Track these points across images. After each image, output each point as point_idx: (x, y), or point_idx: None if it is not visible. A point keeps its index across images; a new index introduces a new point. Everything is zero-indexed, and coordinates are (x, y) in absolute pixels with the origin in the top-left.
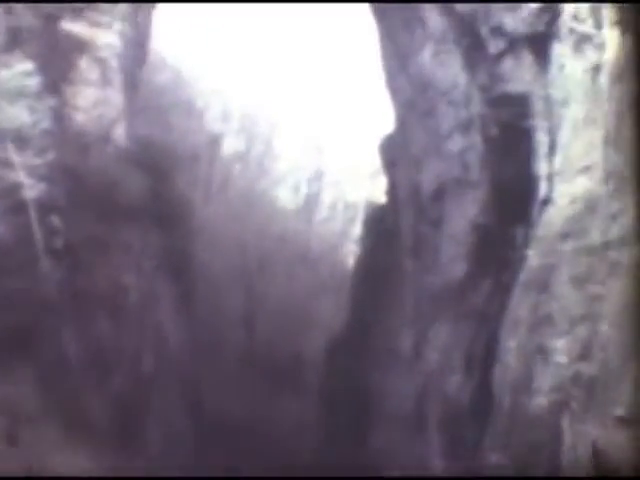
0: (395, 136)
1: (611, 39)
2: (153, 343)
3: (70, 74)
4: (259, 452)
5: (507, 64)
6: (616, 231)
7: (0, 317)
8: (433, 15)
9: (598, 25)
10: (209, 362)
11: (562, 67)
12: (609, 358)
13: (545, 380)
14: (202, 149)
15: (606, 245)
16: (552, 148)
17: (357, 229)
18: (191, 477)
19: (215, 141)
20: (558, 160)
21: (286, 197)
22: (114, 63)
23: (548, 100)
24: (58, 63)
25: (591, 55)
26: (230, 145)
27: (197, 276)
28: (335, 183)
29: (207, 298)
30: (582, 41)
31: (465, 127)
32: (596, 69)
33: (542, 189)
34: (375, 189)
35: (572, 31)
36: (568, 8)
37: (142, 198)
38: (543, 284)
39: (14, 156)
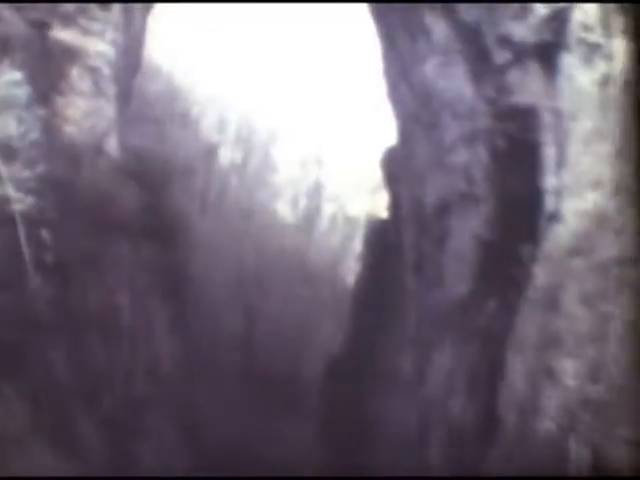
0: (397, 149)
1: (620, 49)
2: (146, 363)
3: (60, 84)
4: (256, 475)
5: (514, 75)
6: (626, 248)
7: None
8: (437, 24)
9: (608, 34)
10: (205, 383)
11: (571, 78)
12: (618, 380)
13: (552, 403)
14: (197, 160)
15: (616, 262)
16: (560, 162)
17: (357, 245)
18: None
19: (211, 152)
20: (566, 174)
21: (284, 211)
22: (106, 72)
23: (556, 113)
24: (48, 72)
25: (600, 65)
26: (226, 156)
27: (192, 293)
28: (335, 197)
29: (202, 316)
30: (591, 51)
31: (470, 140)
32: (605, 80)
33: (550, 204)
34: (376, 203)
35: (581, 41)
36: (577, 16)
37: (135, 212)
38: (551, 303)
39: (2, 168)
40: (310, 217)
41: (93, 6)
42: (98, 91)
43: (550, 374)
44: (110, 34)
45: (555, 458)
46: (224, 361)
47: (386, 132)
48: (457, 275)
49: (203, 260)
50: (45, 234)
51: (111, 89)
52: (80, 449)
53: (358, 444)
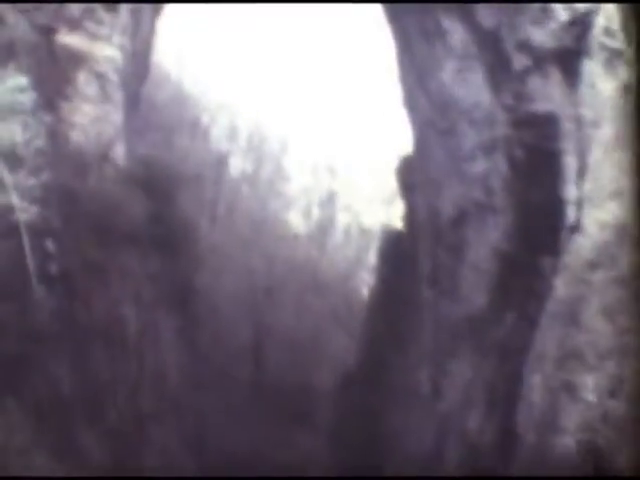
0: (413, 157)
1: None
2: (152, 377)
3: (67, 89)
4: None
5: (534, 82)
6: None
7: None
8: (454, 28)
9: (629, 40)
10: (213, 396)
11: (593, 85)
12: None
13: (572, 419)
14: (207, 169)
15: (637, 275)
16: (581, 172)
17: (372, 256)
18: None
19: (221, 161)
20: (588, 184)
21: (297, 221)
22: (113, 78)
23: (578, 120)
24: (54, 78)
25: (622, 72)
26: (237, 165)
27: (201, 305)
28: (349, 207)
29: (211, 329)
30: (613, 57)
31: (488, 149)
32: (628, 87)
33: (570, 215)
34: (391, 213)
35: (603, 46)
36: (599, 21)
37: (142, 222)
38: (571, 316)
39: (6, 176)
40: (323, 228)
41: (100, 9)
42: (105, 97)
43: (570, 389)
44: (117, 38)
45: (574, 474)
46: (233, 374)
47: (401, 140)
48: (474, 287)
49: (212, 271)
50: (50, 244)
51: (118, 95)
52: (84, 462)
53: (372, 460)
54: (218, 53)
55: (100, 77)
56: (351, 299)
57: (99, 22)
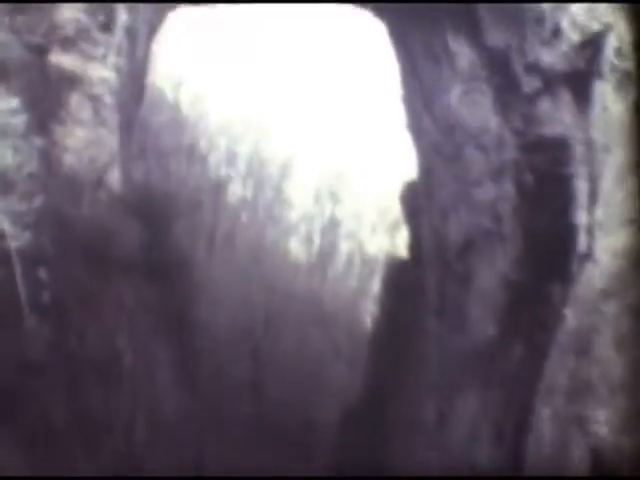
0: (418, 183)
1: None
2: (148, 410)
3: (60, 112)
4: None
5: (544, 105)
6: None
7: None
8: (462, 49)
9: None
10: (212, 431)
11: (604, 108)
12: None
13: (583, 453)
14: (205, 196)
15: None
16: (593, 197)
17: (375, 285)
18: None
19: (219, 187)
20: (599, 211)
21: (298, 249)
22: (108, 100)
23: (589, 145)
24: (47, 100)
25: (633, 94)
26: (236, 191)
27: (198, 337)
28: (352, 234)
29: (209, 361)
30: (625, 79)
31: (497, 174)
32: (638, 109)
33: (581, 242)
34: (396, 241)
35: (614, 68)
36: (611, 42)
37: (138, 250)
38: (582, 347)
39: None
40: (325, 256)
41: (95, 29)
42: (99, 120)
43: (581, 423)
44: (112, 59)
45: None
46: (231, 408)
47: (406, 165)
48: (482, 318)
49: (209, 302)
50: (42, 272)
51: (113, 118)
52: None
53: None
54: (216, 76)
55: (94, 99)
56: (354, 330)
57: (94, 42)
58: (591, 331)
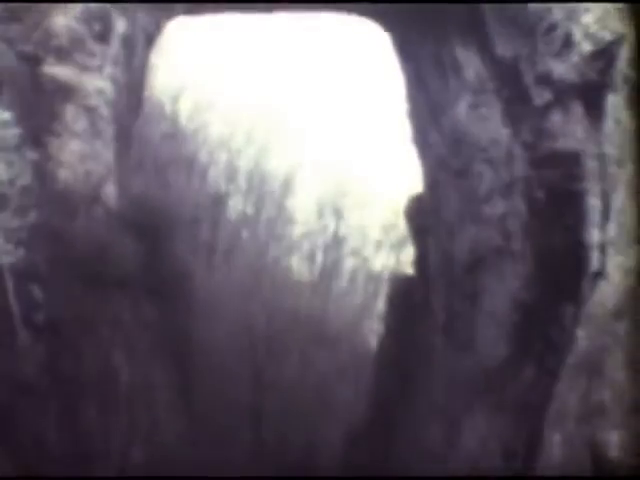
0: (424, 198)
1: None
2: (145, 434)
3: (54, 124)
4: None
5: (555, 117)
6: None
7: None
8: (470, 60)
9: None
10: (211, 456)
11: (617, 121)
12: None
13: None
14: (204, 211)
15: None
16: (606, 214)
17: (380, 304)
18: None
19: (219, 202)
20: (612, 228)
21: (300, 267)
22: (104, 112)
23: (602, 159)
24: (40, 112)
25: None
26: (236, 207)
27: (197, 358)
28: (356, 251)
29: (208, 383)
30: (636, 90)
31: (506, 190)
32: None
33: (594, 261)
34: (402, 258)
35: (627, 79)
36: (623, 53)
37: (135, 267)
38: (595, 369)
39: None
40: (328, 274)
41: (90, 39)
42: (95, 133)
43: (593, 447)
44: (109, 69)
45: None
46: (232, 432)
47: (412, 180)
48: (491, 338)
49: (209, 321)
50: (36, 289)
51: (110, 131)
52: None
53: None
54: (216, 87)
55: (90, 111)
56: (358, 351)
57: (89, 52)
58: (603, 352)
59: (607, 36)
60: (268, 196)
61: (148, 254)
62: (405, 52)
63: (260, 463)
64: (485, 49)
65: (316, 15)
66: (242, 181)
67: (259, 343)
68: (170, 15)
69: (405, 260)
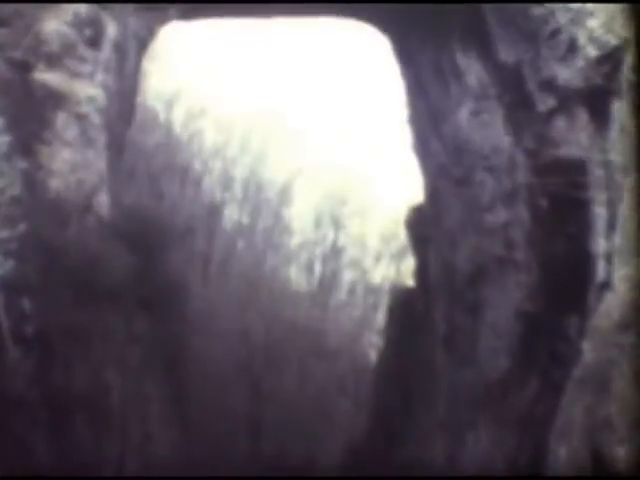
0: (425, 208)
1: None
2: (138, 450)
3: (44, 132)
4: None
5: (559, 124)
6: None
7: None
8: (472, 66)
9: None
10: (208, 467)
11: (623, 128)
12: None
13: None
14: (199, 220)
15: None
16: (611, 223)
17: (380, 316)
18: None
19: (214, 211)
20: (618, 237)
21: (298, 278)
22: (96, 120)
23: (608, 167)
24: (30, 119)
25: None
26: (232, 216)
27: (192, 371)
28: (355, 262)
29: (204, 397)
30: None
31: (509, 198)
32: None
33: (600, 271)
34: (402, 269)
35: (632, 85)
36: (628, 58)
37: (128, 279)
38: (601, 382)
39: None
40: (327, 285)
41: (81, 45)
42: (87, 141)
43: (600, 462)
44: (100, 76)
45: None
46: (229, 448)
47: (412, 189)
48: (494, 351)
49: (204, 334)
50: (26, 302)
51: (101, 139)
52: None
53: None
54: (211, 94)
55: (81, 119)
56: (358, 364)
57: (80, 59)
58: (609, 365)
59: (612, 40)
60: (264, 205)
61: (141, 265)
62: (405, 58)
63: (259, 474)
64: (487, 54)
65: (315, 20)
66: (238, 190)
67: (257, 354)
68: (163, 20)
69: (405, 271)
